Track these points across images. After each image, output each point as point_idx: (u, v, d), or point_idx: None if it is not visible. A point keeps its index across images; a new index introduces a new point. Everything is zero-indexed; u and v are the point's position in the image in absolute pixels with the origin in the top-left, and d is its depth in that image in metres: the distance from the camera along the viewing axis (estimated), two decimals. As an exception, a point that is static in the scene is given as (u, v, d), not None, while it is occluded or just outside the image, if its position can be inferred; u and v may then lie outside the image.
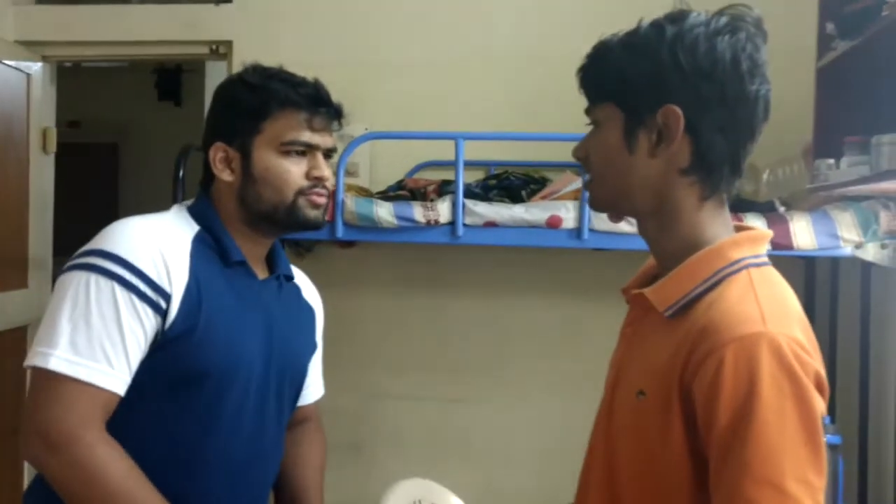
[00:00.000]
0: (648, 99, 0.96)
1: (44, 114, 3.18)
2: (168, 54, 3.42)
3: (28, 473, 2.87)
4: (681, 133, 0.95)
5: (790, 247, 2.12)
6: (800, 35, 2.33)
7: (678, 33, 0.95)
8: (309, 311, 1.52)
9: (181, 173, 2.45)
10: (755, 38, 0.96)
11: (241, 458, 1.32)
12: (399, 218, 2.27)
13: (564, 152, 2.78)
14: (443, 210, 2.27)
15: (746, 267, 0.95)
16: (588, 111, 1.05)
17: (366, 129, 2.87)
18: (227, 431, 1.29)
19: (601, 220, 2.22)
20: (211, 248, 1.31)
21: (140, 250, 1.21)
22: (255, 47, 2.90)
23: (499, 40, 2.92)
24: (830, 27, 2.07)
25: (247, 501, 1.36)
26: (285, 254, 1.49)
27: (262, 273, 1.39)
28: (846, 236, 2.12)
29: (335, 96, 1.37)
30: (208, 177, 1.37)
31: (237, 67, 1.45)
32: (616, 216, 1.08)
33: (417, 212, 2.27)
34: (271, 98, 1.30)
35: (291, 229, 1.37)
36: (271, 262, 1.43)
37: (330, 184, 1.36)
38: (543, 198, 2.42)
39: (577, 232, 2.25)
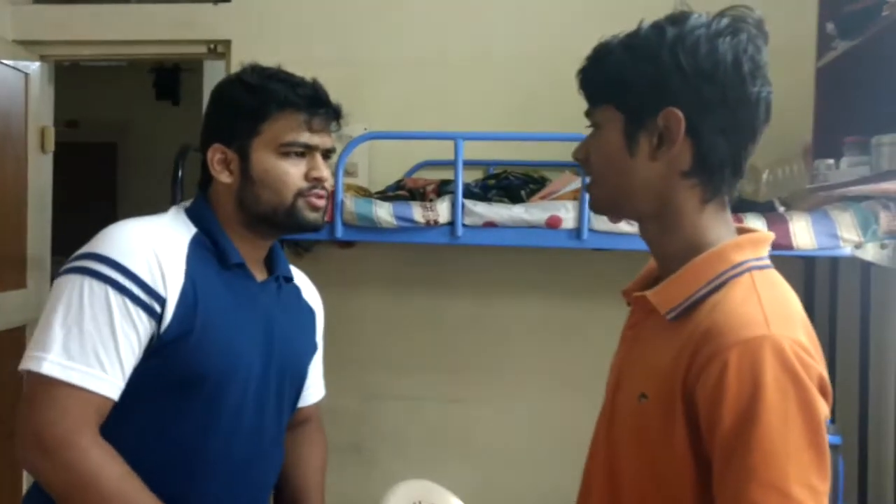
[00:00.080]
0: (649, 101, 0.96)
1: (42, 113, 3.17)
2: (166, 54, 3.41)
3: (27, 476, 2.87)
4: (682, 136, 0.95)
5: (790, 247, 2.12)
6: (799, 35, 2.33)
7: (679, 35, 0.94)
8: (309, 312, 1.51)
9: (180, 174, 2.45)
10: (756, 40, 0.96)
11: (241, 460, 1.31)
12: (398, 218, 2.27)
13: (563, 152, 2.78)
14: (442, 210, 2.27)
15: (749, 269, 0.95)
16: (588, 113, 1.04)
17: (364, 128, 2.86)
18: (226, 433, 1.28)
19: (601, 221, 2.22)
20: (209, 250, 1.30)
21: (135, 254, 1.21)
22: (253, 47, 2.89)
23: (498, 40, 2.92)
24: (830, 27, 2.07)
25: (246, 502, 1.35)
26: (284, 254, 1.48)
27: (260, 275, 1.38)
28: (846, 236, 2.12)
29: (334, 96, 1.36)
30: (206, 178, 1.36)
31: (235, 67, 1.45)
32: (616, 217, 1.08)
33: (417, 212, 2.27)
34: (270, 99, 1.29)
35: (290, 231, 1.37)
36: (270, 263, 1.42)
37: (329, 185, 1.35)
38: (543, 198, 2.42)
39: (576, 232, 2.25)
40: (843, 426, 2.19)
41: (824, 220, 2.14)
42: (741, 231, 1.02)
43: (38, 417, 1.16)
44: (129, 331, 1.19)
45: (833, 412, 2.32)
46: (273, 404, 1.36)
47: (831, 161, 2.02)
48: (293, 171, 1.30)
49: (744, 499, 0.84)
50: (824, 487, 0.85)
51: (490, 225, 2.28)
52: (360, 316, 2.94)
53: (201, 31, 3.04)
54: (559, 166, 2.77)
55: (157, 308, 1.20)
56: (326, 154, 1.36)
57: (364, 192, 2.60)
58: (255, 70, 1.34)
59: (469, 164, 2.44)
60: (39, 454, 1.16)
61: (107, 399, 1.18)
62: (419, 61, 2.95)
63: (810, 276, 2.54)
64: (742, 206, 2.19)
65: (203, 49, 3.08)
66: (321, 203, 1.34)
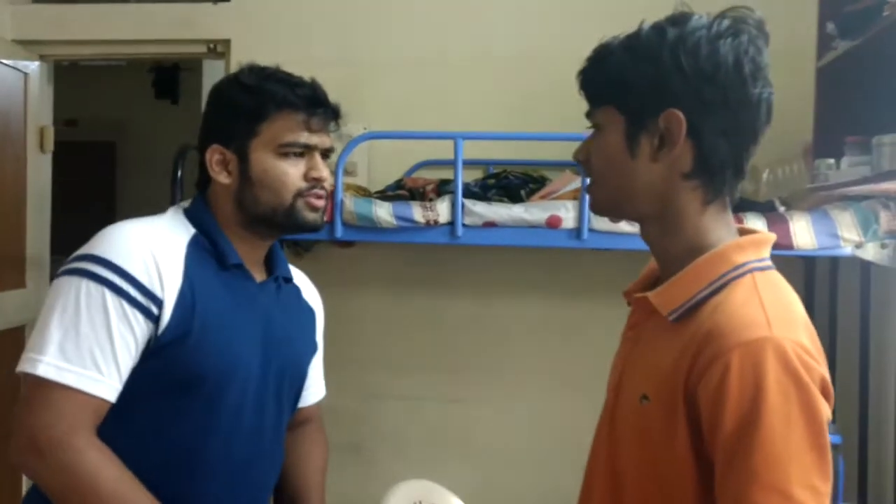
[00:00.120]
0: (650, 103, 0.96)
1: (41, 113, 3.17)
2: (166, 53, 3.41)
3: (27, 479, 2.86)
4: (683, 137, 0.95)
5: (790, 246, 2.11)
6: (799, 34, 2.33)
7: (680, 36, 0.94)
8: (309, 312, 1.51)
9: (179, 173, 2.44)
10: (757, 41, 0.95)
11: (241, 460, 1.31)
12: (398, 218, 2.27)
13: (563, 151, 2.80)
14: (442, 210, 2.27)
15: (751, 271, 0.94)
16: (589, 114, 1.04)
17: (364, 128, 2.86)
18: (225, 434, 1.28)
19: (601, 220, 2.22)
20: (207, 251, 1.29)
21: (132, 255, 1.20)
22: (252, 46, 2.89)
23: (497, 39, 2.92)
24: (831, 27, 2.07)
25: (246, 502, 1.35)
26: (284, 254, 1.48)
27: (260, 275, 1.38)
28: (846, 236, 2.12)
29: (333, 95, 1.35)
30: (204, 179, 1.35)
31: (235, 66, 1.44)
32: (617, 218, 1.08)
33: (417, 212, 2.27)
34: (268, 100, 1.29)
35: (290, 231, 1.36)
36: (270, 263, 1.42)
37: (328, 184, 1.35)
38: (542, 197, 2.42)
39: (576, 232, 2.25)
40: (843, 425, 2.19)
41: (824, 219, 2.14)
42: (743, 232, 1.01)
43: (33, 420, 1.16)
44: (126, 333, 1.18)
45: (833, 411, 2.31)
46: (272, 405, 1.36)
47: (832, 161, 2.02)
48: (292, 172, 1.30)
49: (746, 501, 0.84)
50: (826, 489, 0.85)
51: (490, 225, 2.28)
52: (359, 316, 2.94)
53: (201, 30, 3.04)
54: (559, 165, 2.77)
55: (155, 310, 1.20)
56: (325, 154, 1.35)
57: (363, 192, 2.60)
58: (253, 70, 1.34)
59: (468, 164, 2.44)
60: (35, 456, 1.16)
61: (103, 401, 1.18)
62: (418, 61, 2.94)
63: (810, 276, 2.54)
64: (742, 206, 2.19)
65: (203, 49, 3.08)
66: (320, 203, 1.33)
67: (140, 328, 1.19)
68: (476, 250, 2.72)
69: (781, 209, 2.23)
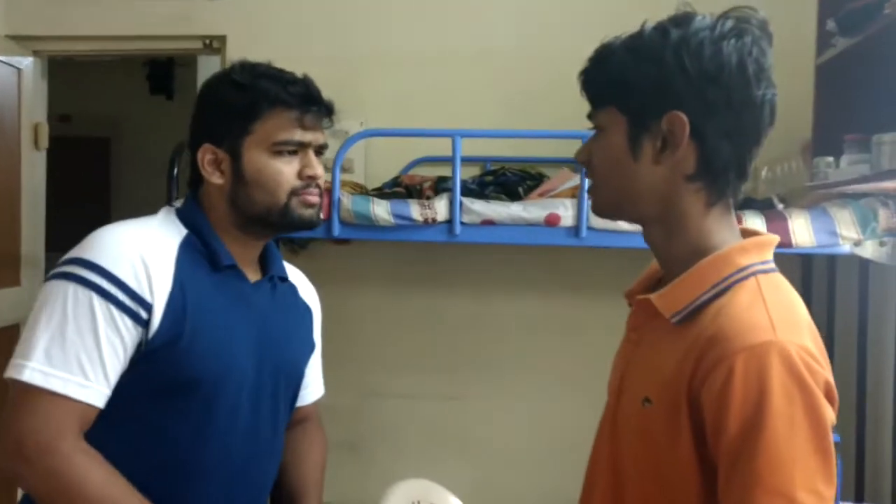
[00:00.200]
0: (653, 104, 0.95)
1: (35, 109, 3.15)
2: (161, 49, 3.40)
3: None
4: (686, 139, 0.94)
5: (789, 244, 2.11)
6: (798, 30, 2.32)
7: (683, 37, 0.93)
8: (306, 311, 1.49)
9: (175, 171, 2.43)
10: (760, 42, 0.94)
11: (238, 462, 1.30)
12: (396, 216, 2.26)
13: (561, 148, 2.80)
14: (440, 208, 2.26)
15: (754, 273, 0.94)
16: (591, 115, 1.03)
17: (361, 124, 2.86)
18: (221, 436, 1.27)
19: (599, 219, 2.20)
20: (199, 252, 1.28)
21: (121, 259, 1.19)
22: (248, 42, 2.88)
23: (495, 36, 2.91)
24: (831, 24, 2.06)
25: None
26: (280, 252, 1.46)
27: (254, 275, 1.36)
28: (845, 234, 2.12)
29: (330, 92, 1.34)
30: (196, 179, 1.33)
31: (230, 62, 1.42)
32: (619, 220, 1.07)
33: (415, 210, 2.26)
34: (261, 98, 1.27)
35: (285, 230, 1.35)
36: (265, 262, 1.40)
37: (322, 182, 1.34)
38: (541, 195, 2.41)
39: (575, 230, 2.24)
40: (841, 424, 2.18)
41: (823, 217, 2.14)
42: (746, 234, 1.01)
43: (19, 425, 1.15)
44: (114, 337, 1.17)
45: (832, 411, 2.33)
46: (268, 406, 1.34)
47: (831, 159, 2.02)
48: (286, 170, 1.28)
49: None
50: (830, 493, 0.85)
51: (488, 223, 2.27)
52: (357, 314, 2.93)
53: (196, 26, 3.02)
54: (556, 162, 2.76)
55: (144, 314, 1.18)
56: (319, 150, 1.33)
57: (360, 189, 2.59)
58: (245, 68, 1.31)
59: (466, 161, 2.43)
60: (21, 462, 1.15)
61: (90, 406, 1.17)
62: (415, 57, 2.93)
63: (808, 274, 2.54)
64: (740, 204, 2.19)
65: (198, 44, 3.07)
66: (315, 200, 1.32)
67: (129, 333, 1.18)
68: (474, 248, 2.71)
69: (780, 207, 2.23)
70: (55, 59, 3.31)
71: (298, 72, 1.33)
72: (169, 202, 2.38)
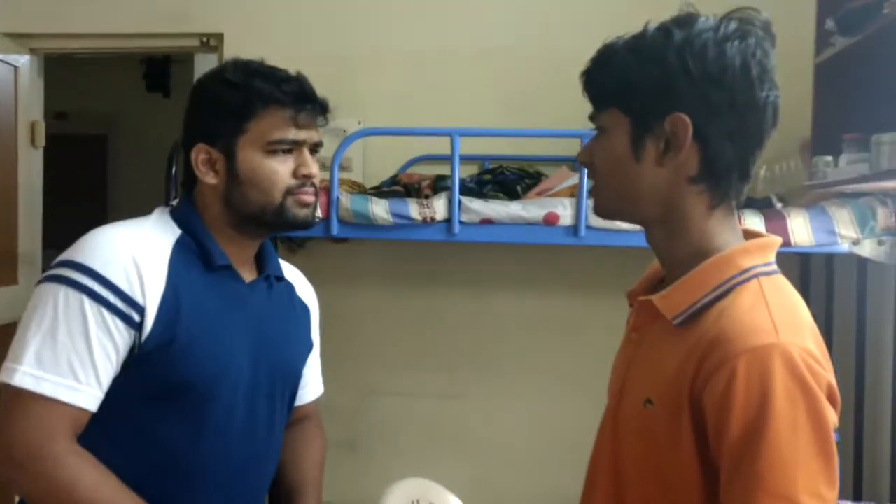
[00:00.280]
0: (656, 106, 0.94)
1: (32, 107, 3.14)
2: (159, 47, 3.38)
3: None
4: (689, 141, 0.93)
5: (788, 243, 2.12)
6: (798, 30, 2.32)
7: (687, 38, 0.93)
8: (303, 310, 1.48)
9: (174, 170, 2.42)
10: (764, 43, 0.94)
11: (234, 464, 1.29)
12: (395, 215, 2.26)
13: (559, 147, 2.80)
14: (439, 207, 2.26)
15: (757, 275, 0.93)
16: (593, 116, 1.02)
17: (359, 122, 2.85)
18: (217, 438, 1.26)
19: (598, 218, 2.21)
20: (194, 253, 1.27)
21: (113, 261, 1.18)
22: (246, 40, 2.87)
23: (493, 35, 2.91)
24: (830, 23, 2.06)
25: None
26: (277, 251, 1.45)
27: (249, 275, 1.35)
28: (843, 233, 2.12)
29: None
30: (191, 179, 1.32)
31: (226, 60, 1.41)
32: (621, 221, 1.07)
33: (413, 209, 2.26)
34: (255, 97, 1.25)
35: (280, 230, 1.34)
36: (260, 262, 1.39)
37: (318, 181, 1.32)
38: (539, 193, 2.41)
39: (573, 229, 2.24)
40: (839, 423, 2.19)
41: (822, 216, 2.14)
42: (748, 235, 1.01)
43: (10, 430, 1.14)
44: (106, 341, 1.16)
45: (832, 411, 2.33)
46: (265, 407, 1.34)
47: (830, 158, 2.02)
48: (281, 170, 1.27)
49: None
50: (832, 496, 0.85)
51: (487, 222, 2.27)
52: (355, 312, 2.93)
53: (194, 24, 3.02)
54: (555, 161, 2.76)
55: (136, 317, 1.18)
56: (314, 149, 1.32)
57: (358, 187, 2.59)
58: (238, 66, 1.30)
59: (464, 159, 2.43)
60: (13, 467, 1.14)
61: (81, 410, 1.16)
62: (413, 55, 2.93)
63: (806, 273, 2.55)
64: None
65: (195, 42, 3.06)
66: (310, 200, 1.31)
67: (121, 336, 1.17)
68: (473, 247, 2.71)
69: (779, 206, 2.23)
70: (51, 57, 3.30)
71: (296, 70, 1.32)
72: (167, 200, 2.37)
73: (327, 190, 2.30)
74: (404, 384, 2.95)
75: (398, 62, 2.94)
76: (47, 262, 1.26)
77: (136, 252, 1.20)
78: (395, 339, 2.96)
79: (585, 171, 2.14)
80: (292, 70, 1.31)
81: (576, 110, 1.06)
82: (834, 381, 0.89)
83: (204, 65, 3.38)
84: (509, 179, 2.57)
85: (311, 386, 1.53)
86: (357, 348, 2.91)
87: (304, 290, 1.50)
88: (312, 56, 2.84)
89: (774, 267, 0.97)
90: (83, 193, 5.23)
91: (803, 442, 0.83)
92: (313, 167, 1.30)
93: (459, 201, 2.26)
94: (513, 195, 2.46)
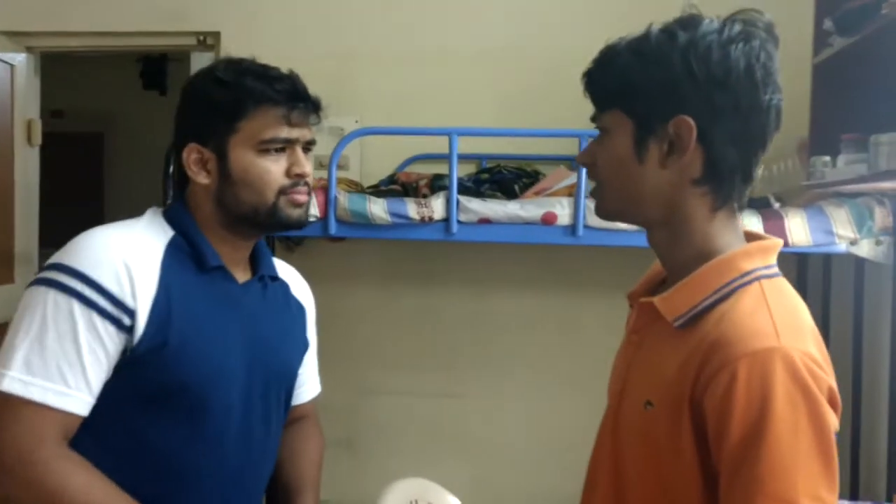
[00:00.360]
0: (660, 108, 0.94)
1: (28, 106, 3.13)
2: (155, 45, 3.38)
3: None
4: (693, 144, 0.93)
5: (785, 243, 2.09)
6: (796, 30, 2.32)
7: (691, 40, 0.92)
8: (298, 309, 1.47)
9: (171, 168, 2.41)
10: (768, 46, 0.94)
11: (231, 466, 1.28)
12: (393, 215, 2.25)
13: (557, 146, 2.79)
14: (437, 207, 2.26)
15: (758, 278, 0.93)
16: (595, 117, 1.02)
17: (356, 121, 2.85)
18: (213, 440, 1.25)
19: (596, 217, 2.20)
20: (186, 254, 1.26)
21: (102, 264, 1.17)
22: (243, 39, 2.87)
23: (490, 34, 2.90)
24: (828, 24, 2.06)
25: None
26: (274, 250, 1.44)
27: (243, 276, 1.34)
28: (841, 233, 2.12)
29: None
30: (183, 179, 1.31)
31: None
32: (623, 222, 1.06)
33: (411, 208, 2.25)
34: (247, 96, 1.24)
35: (273, 230, 1.33)
36: (255, 262, 1.38)
37: (311, 180, 1.31)
38: (536, 193, 2.41)
39: (571, 229, 2.24)
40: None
41: (820, 216, 2.14)
42: (749, 237, 1.00)
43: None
44: (96, 344, 1.15)
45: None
46: (260, 408, 1.33)
47: (828, 158, 2.02)
48: (274, 169, 1.26)
49: None
50: (833, 499, 0.85)
51: (485, 221, 2.27)
52: (353, 311, 2.93)
53: (191, 22, 3.01)
54: (552, 160, 2.76)
55: (127, 321, 1.17)
56: (307, 147, 1.31)
57: (356, 186, 2.59)
58: (230, 65, 1.29)
59: (462, 158, 2.43)
60: (2, 472, 1.13)
61: (71, 415, 1.15)
62: (411, 54, 2.93)
63: (803, 272, 2.55)
64: (737, 203, 2.19)
65: (192, 41, 3.06)
66: (303, 200, 1.30)
67: (111, 340, 1.16)
68: (471, 245, 2.71)
69: (776, 206, 2.23)
70: (47, 55, 3.29)
71: (293, 69, 1.31)
72: (164, 199, 2.36)
73: (325, 189, 2.30)
74: (402, 383, 2.95)
75: (396, 61, 2.93)
76: (44, 261, 1.25)
77: (127, 254, 1.19)
78: (392, 338, 2.96)
79: (584, 170, 2.15)
80: (289, 68, 1.31)
81: (574, 110, 1.05)
82: (835, 385, 0.89)
83: (200, 63, 3.36)
84: (507, 178, 2.57)
85: (308, 385, 1.53)
86: (355, 347, 2.91)
87: (300, 288, 1.49)
88: (310, 55, 2.84)
89: (776, 269, 0.97)
90: (80, 192, 5.21)
91: (804, 445, 0.83)
92: (306, 166, 1.29)
93: (458, 201, 2.25)
94: (510, 194, 2.46)
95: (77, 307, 1.15)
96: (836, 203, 2.16)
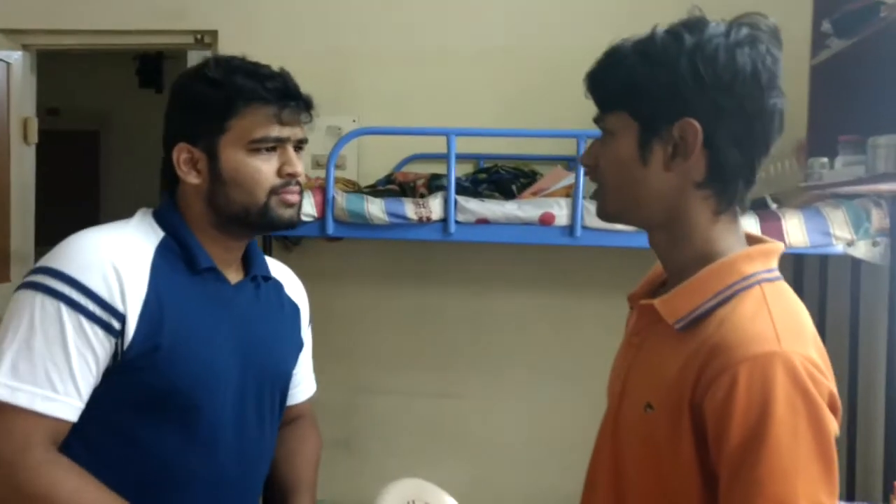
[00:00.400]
0: (665, 110, 0.94)
1: (24, 103, 3.12)
2: (153, 44, 3.36)
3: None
4: (698, 147, 0.93)
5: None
6: (794, 31, 2.32)
7: (698, 43, 0.92)
8: (292, 308, 1.46)
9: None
10: (773, 50, 0.94)
11: (225, 468, 1.27)
12: (390, 215, 2.25)
13: (554, 147, 2.79)
14: (435, 207, 2.26)
15: (759, 282, 0.93)
16: (598, 119, 1.02)
17: (353, 121, 2.85)
18: (207, 444, 1.24)
19: (594, 218, 2.21)
20: (177, 255, 1.24)
21: (91, 268, 1.15)
22: (240, 38, 2.86)
23: (489, 34, 2.90)
24: (826, 25, 2.06)
25: None
26: (272, 249, 1.43)
27: (235, 276, 1.33)
28: (838, 234, 2.13)
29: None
30: (173, 179, 1.28)
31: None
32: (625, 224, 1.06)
33: (409, 209, 2.25)
34: (237, 94, 1.22)
35: (265, 230, 1.31)
36: (247, 262, 1.37)
37: (302, 179, 1.30)
38: (534, 193, 2.41)
39: (569, 229, 2.24)
40: (835, 424, 2.20)
41: (817, 217, 2.15)
42: (751, 240, 1.01)
43: None
44: (84, 349, 1.14)
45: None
46: (254, 409, 1.32)
47: (825, 160, 2.02)
48: (265, 168, 1.25)
49: None
50: (832, 503, 0.85)
51: (483, 222, 2.27)
52: (350, 310, 2.93)
53: (188, 21, 3.00)
54: (550, 160, 2.76)
55: (116, 325, 1.15)
56: (298, 146, 1.30)
57: (353, 186, 2.58)
58: (219, 63, 1.27)
59: (460, 158, 2.43)
60: None
61: (59, 421, 1.14)
62: (409, 53, 2.92)
63: (799, 273, 2.55)
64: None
65: (190, 39, 3.05)
66: (295, 200, 1.29)
67: (100, 344, 1.15)
68: (468, 245, 2.71)
69: (774, 207, 2.23)
70: (43, 52, 3.27)
71: (291, 68, 1.31)
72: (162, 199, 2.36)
73: (322, 189, 2.30)
74: (400, 383, 2.94)
75: (393, 60, 2.93)
76: (40, 259, 1.24)
77: (116, 257, 1.17)
78: (390, 338, 2.95)
79: (581, 171, 2.15)
80: (287, 67, 1.30)
81: (572, 110, 1.05)
82: (835, 390, 0.89)
83: (197, 61, 3.36)
84: (504, 178, 2.57)
85: (304, 385, 1.52)
86: (353, 347, 2.91)
87: (293, 287, 1.48)
88: (308, 54, 2.83)
89: (777, 273, 0.97)
90: (76, 190, 5.21)
91: (804, 450, 0.84)
92: (298, 165, 1.27)
93: (455, 201, 2.25)
94: (508, 194, 2.46)
95: (65, 311, 1.13)
96: (834, 204, 2.16)
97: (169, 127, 1.29)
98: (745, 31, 0.93)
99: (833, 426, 0.86)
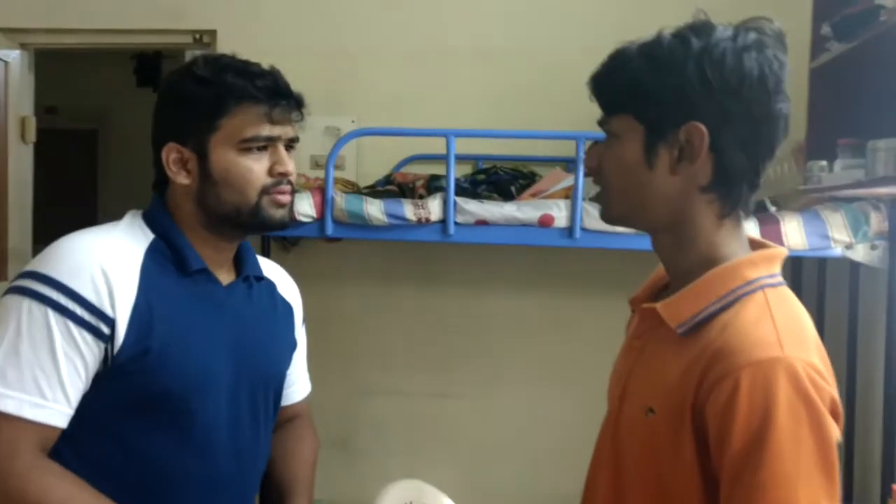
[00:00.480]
0: (672, 114, 0.93)
1: (22, 102, 3.11)
2: (152, 43, 3.36)
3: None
4: (705, 151, 0.93)
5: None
6: (793, 34, 2.31)
7: (705, 47, 0.92)
8: (285, 308, 1.44)
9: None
10: (779, 55, 0.94)
11: (220, 471, 1.26)
12: (390, 216, 2.25)
13: (553, 148, 2.79)
14: (434, 208, 2.25)
15: (762, 287, 0.93)
16: (602, 122, 1.01)
17: (353, 121, 2.85)
18: (201, 447, 1.23)
19: (593, 219, 2.21)
20: (167, 257, 1.23)
21: (79, 272, 1.13)
22: (239, 37, 2.86)
23: (489, 35, 2.90)
24: (826, 28, 2.06)
25: None
26: (269, 250, 1.42)
27: (227, 277, 1.31)
28: (837, 237, 2.13)
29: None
30: (162, 179, 1.27)
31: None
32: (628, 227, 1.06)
33: (408, 210, 2.25)
34: (227, 93, 1.20)
35: (256, 230, 1.30)
36: (239, 262, 1.35)
37: (294, 178, 1.28)
38: (533, 195, 2.41)
39: (568, 231, 2.25)
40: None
41: (815, 220, 2.15)
42: (754, 245, 1.00)
43: None
44: (73, 354, 1.13)
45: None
46: (248, 410, 1.31)
47: (824, 163, 2.03)
48: (256, 168, 1.23)
49: None
50: (834, 509, 0.85)
51: (482, 223, 2.27)
52: (348, 311, 2.92)
53: (188, 20, 3.00)
54: (549, 161, 2.76)
55: (105, 329, 1.14)
56: (289, 145, 1.28)
57: (352, 186, 2.58)
58: (209, 61, 1.25)
59: (458, 158, 2.43)
60: None
61: (48, 427, 1.13)
62: (408, 54, 2.92)
63: (798, 276, 2.55)
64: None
65: (189, 39, 3.04)
66: (287, 200, 1.27)
67: (89, 349, 1.14)
68: (467, 247, 2.71)
69: (772, 210, 2.23)
70: (41, 51, 3.27)
71: (290, 68, 1.30)
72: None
73: (322, 189, 2.29)
74: (398, 384, 2.94)
75: (393, 61, 2.93)
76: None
77: (105, 261, 1.16)
78: (389, 338, 2.95)
79: (581, 172, 2.15)
80: (286, 67, 1.29)
81: (571, 112, 1.05)
82: (837, 396, 0.89)
83: (196, 61, 3.36)
84: (503, 179, 2.57)
85: (298, 385, 1.50)
86: (351, 348, 2.91)
87: (287, 287, 1.46)
88: (306, 54, 2.83)
89: (780, 279, 0.97)
90: (73, 188, 5.19)
91: (805, 456, 0.83)
92: (289, 164, 1.26)
93: (455, 202, 2.25)
94: (507, 195, 2.46)
95: (53, 316, 1.12)
96: (832, 207, 2.17)
97: (158, 127, 1.28)
98: (752, 35, 0.93)
99: (835, 433, 0.86)
